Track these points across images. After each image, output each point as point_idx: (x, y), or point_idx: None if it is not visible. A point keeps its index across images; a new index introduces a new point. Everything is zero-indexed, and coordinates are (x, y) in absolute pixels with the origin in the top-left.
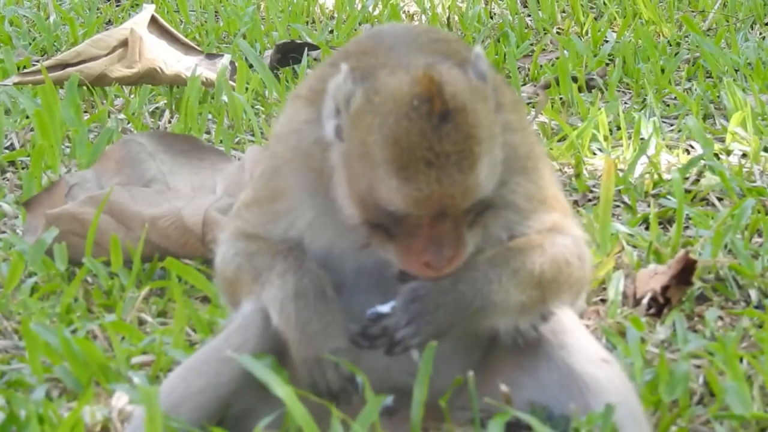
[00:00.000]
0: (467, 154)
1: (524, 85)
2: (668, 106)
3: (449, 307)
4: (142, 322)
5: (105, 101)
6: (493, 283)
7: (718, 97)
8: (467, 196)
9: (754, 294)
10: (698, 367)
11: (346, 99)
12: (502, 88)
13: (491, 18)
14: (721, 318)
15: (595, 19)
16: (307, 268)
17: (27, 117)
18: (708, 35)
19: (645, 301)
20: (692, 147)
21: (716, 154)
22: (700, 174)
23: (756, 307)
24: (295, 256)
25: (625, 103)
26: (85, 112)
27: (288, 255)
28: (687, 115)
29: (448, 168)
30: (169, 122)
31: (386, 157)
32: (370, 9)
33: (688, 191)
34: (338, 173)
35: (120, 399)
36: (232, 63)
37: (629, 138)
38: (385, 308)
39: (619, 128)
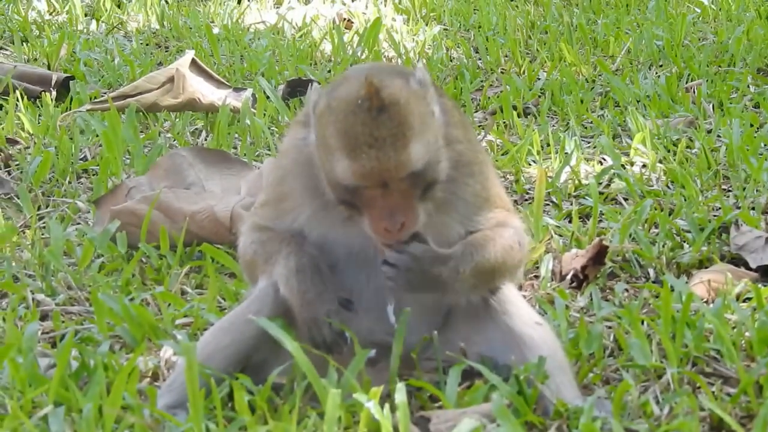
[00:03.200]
0: (399, 137)
1: (476, 112)
2: (586, 128)
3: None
4: (183, 293)
5: (156, 124)
6: (464, 258)
7: (624, 121)
8: (400, 168)
9: (652, 272)
10: (609, 327)
11: (313, 106)
12: (452, 111)
13: (451, 61)
14: (626, 290)
15: (530, 61)
16: (306, 251)
17: (97, 136)
18: (616, 74)
19: (568, 277)
20: (605, 159)
21: (623, 165)
22: (610, 180)
23: (653, 282)
24: (296, 242)
25: (553, 126)
26: (141, 132)
27: (291, 241)
28: (600, 135)
29: (384, 148)
30: (205, 140)
31: (339, 144)
32: (359, 54)
33: (601, 193)
34: (317, 165)
35: (167, 352)
36: (253, 95)
37: (556, 152)
38: (391, 318)
39: (548, 145)
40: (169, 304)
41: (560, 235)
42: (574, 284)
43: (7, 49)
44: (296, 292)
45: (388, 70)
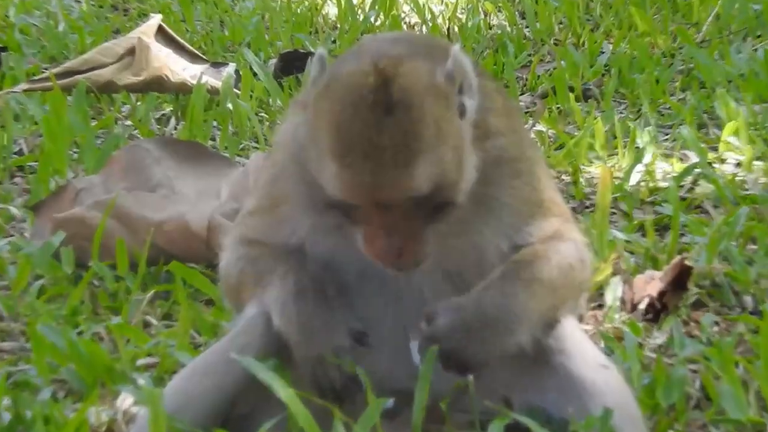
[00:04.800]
0: (403, 150)
1: (522, 94)
2: (663, 115)
3: (474, 338)
4: (147, 325)
5: (112, 108)
6: (509, 297)
7: (712, 107)
8: (399, 190)
9: (749, 300)
10: (695, 371)
11: (312, 82)
12: (493, 95)
13: (490, 29)
14: (717, 323)
15: (592, 30)
16: (308, 270)
17: (35, 123)
18: (702, 47)
19: (642, 306)
20: (687, 156)
21: (710, 163)
22: (694, 182)
23: (751, 313)
24: (295, 258)
25: (621, 112)
26: (93, 118)
27: (289, 258)
28: (681, 124)
29: (382, 161)
30: (175, 129)
31: (330, 143)
32: (372, 20)
33: (683, 199)
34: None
35: (125, 400)
36: (236, 71)
37: (625, 147)
38: (416, 357)
39: (615, 137)
40: (129, 340)
41: (631, 253)
42: (649, 315)
43: None
44: (295, 323)
45: (415, 48)
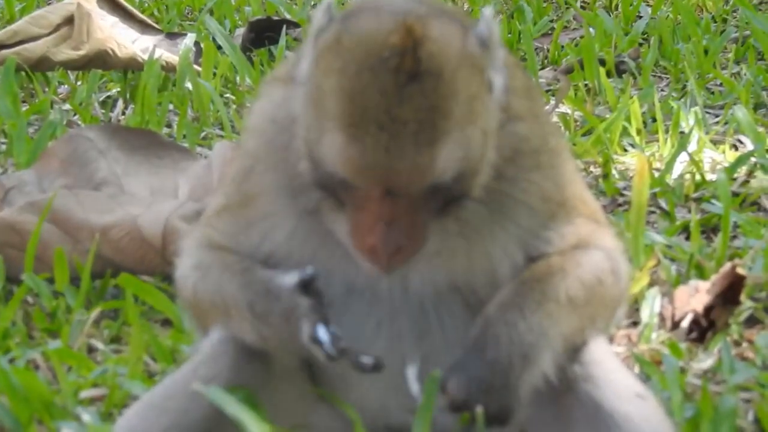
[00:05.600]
0: (428, 127)
1: (542, 69)
2: (713, 93)
3: (495, 390)
4: (92, 350)
5: (47, 89)
6: (518, 324)
7: None
8: (416, 176)
9: None
10: (747, 401)
11: (317, 33)
12: (512, 71)
13: None
14: None
15: None
16: (255, 278)
17: None
18: (760, 10)
19: (685, 323)
20: (741, 142)
21: None
22: (750, 174)
23: None
24: (242, 270)
25: (662, 90)
26: (24, 102)
27: (235, 272)
28: (735, 104)
29: (401, 138)
30: (123, 114)
31: (337, 109)
32: None
33: (736, 194)
34: (298, 121)
35: None
36: (196, 44)
37: (666, 132)
38: (414, 387)
39: (654, 120)
40: (70, 368)
41: (672, 260)
42: (693, 334)
43: None
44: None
45: (442, 11)
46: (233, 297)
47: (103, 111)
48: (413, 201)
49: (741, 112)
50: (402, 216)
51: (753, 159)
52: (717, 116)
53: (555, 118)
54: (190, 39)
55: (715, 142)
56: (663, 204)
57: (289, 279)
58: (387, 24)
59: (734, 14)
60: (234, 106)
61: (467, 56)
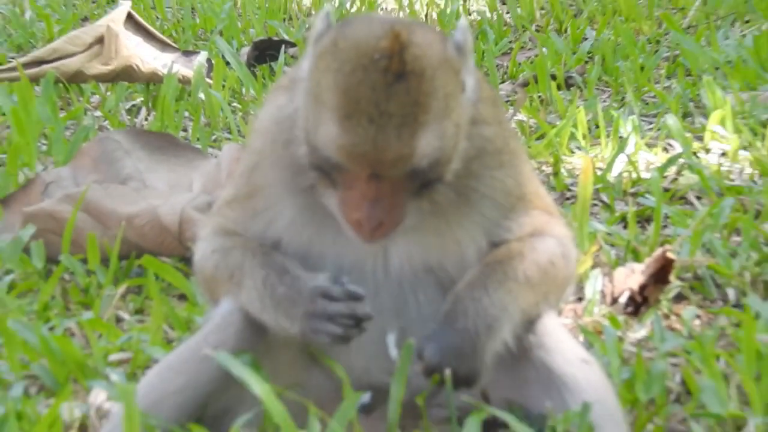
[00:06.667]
0: (410, 120)
1: (503, 82)
2: (647, 104)
3: (465, 354)
4: (119, 320)
5: (81, 98)
6: (483, 300)
7: (698, 95)
8: (399, 162)
9: (731, 293)
10: (675, 365)
11: (317, 38)
12: (480, 82)
13: (469, 15)
14: (698, 317)
15: (575, 16)
16: (274, 260)
17: (3, 114)
18: (688, 33)
19: (622, 299)
20: (671, 145)
21: (695, 153)
22: (678, 173)
23: (734, 306)
24: (263, 252)
25: (604, 101)
26: (62, 109)
27: (256, 252)
28: (666, 113)
29: (388, 129)
30: (146, 120)
31: (333, 103)
32: (348, 5)
33: (666, 190)
34: (299, 112)
35: (98, 396)
36: (208, 60)
37: (608, 136)
38: (393, 352)
39: (597, 126)
40: (101, 335)
41: (612, 245)
42: (629, 309)
43: None
44: (270, 304)
45: (424, 23)
46: (251, 271)
47: (129, 117)
48: (395, 183)
49: (671, 120)
50: (385, 195)
51: (681, 160)
52: (651, 123)
53: (513, 125)
54: (202, 56)
55: (649, 146)
56: (604, 198)
57: (320, 281)
58: (378, 30)
59: (666, 36)
60: (240, 114)
61: (446, 59)
